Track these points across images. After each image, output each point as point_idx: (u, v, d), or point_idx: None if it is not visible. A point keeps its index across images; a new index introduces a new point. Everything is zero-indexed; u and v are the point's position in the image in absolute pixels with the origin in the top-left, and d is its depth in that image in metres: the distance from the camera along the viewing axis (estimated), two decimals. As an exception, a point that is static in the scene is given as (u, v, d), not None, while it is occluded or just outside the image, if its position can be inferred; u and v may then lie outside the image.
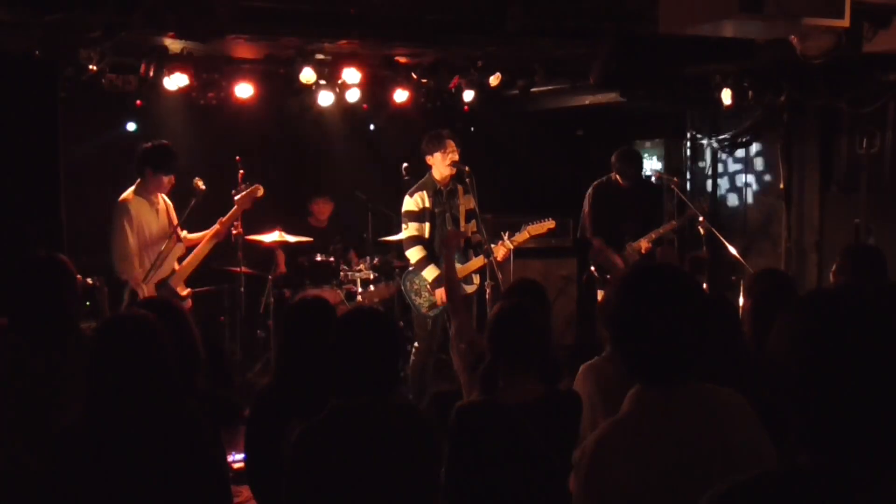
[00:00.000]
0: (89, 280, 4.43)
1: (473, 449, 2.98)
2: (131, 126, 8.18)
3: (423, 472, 3.38)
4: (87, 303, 4.48)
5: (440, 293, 6.95)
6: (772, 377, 1.79)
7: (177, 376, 3.21)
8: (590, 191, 8.08)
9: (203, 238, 6.87)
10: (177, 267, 6.74)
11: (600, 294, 7.69)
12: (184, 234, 6.89)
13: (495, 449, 2.98)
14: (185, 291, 6.75)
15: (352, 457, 3.15)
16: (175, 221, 6.79)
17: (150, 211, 6.64)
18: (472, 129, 9.86)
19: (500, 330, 3.70)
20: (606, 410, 3.82)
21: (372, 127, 9.86)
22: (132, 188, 6.64)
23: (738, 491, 1.72)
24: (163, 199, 6.76)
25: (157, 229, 6.65)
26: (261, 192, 7.07)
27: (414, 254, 7.12)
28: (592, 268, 8.04)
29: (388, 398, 3.28)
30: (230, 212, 6.94)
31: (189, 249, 6.87)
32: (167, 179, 6.64)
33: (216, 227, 6.88)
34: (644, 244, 7.77)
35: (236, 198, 6.97)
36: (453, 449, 3.01)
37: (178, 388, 3.21)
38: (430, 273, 7.05)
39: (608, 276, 7.77)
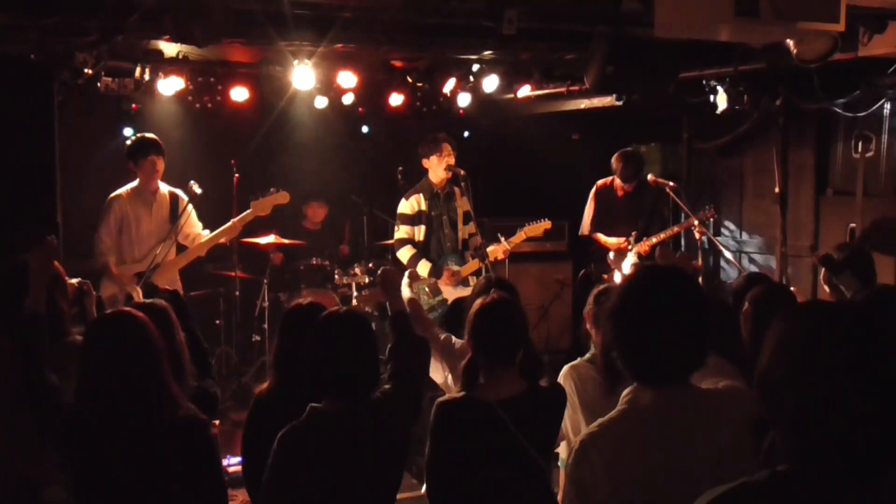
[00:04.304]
0: (73, 281, 4.41)
1: (454, 445, 3.00)
2: (128, 131, 8.20)
3: (398, 474, 3.44)
4: (75, 307, 4.46)
5: (444, 281, 7.03)
6: (758, 386, 1.81)
7: (168, 374, 3.25)
8: (592, 190, 8.12)
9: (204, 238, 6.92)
10: (163, 260, 6.72)
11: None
12: (206, 232, 6.97)
13: (476, 445, 2.99)
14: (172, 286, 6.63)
15: (329, 461, 3.17)
16: (190, 224, 6.94)
17: (144, 208, 6.70)
18: (468, 132, 9.86)
19: (481, 325, 3.70)
20: (586, 412, 3.84)
21: (366, 130, 9.85)
22: (129, 186, 6.78)
23: (724, 500, 1.73)
24: (168, 199, 6.82)
25: (149, 226, 6.70)
26: (286, 199, 7.12)
27: (404, 254, 7.17)
28: (593, 269, 8.02)
29: (370, 400, 3.30)
30: (242, 214, 6.97)
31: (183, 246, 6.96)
32: (152, 162, 6.73)
33: (224, 228, 6.92)
34: (644, 247, 7.77)
35: (253, 202, 7.02)
36: (434, 445, 3.03)
37: (169, 386, 3.23)
38: (422, 268, 7.08)
39: (605, 276, 7.77)
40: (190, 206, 6.87)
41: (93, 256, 6.70)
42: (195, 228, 7.01)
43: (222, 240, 7.04)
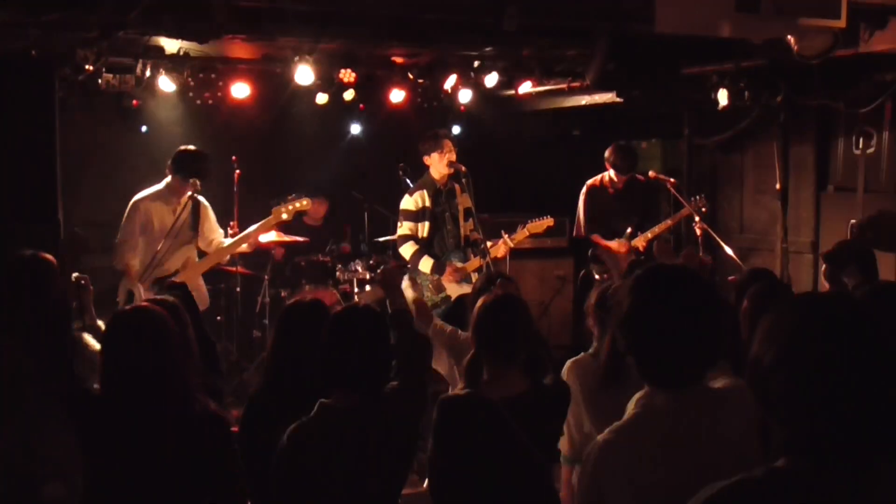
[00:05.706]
0: (72, 276, 4.42)
1: (456, 442, 2.99)
2: (143, 128, 8.24)
3: (405, 469, 3.45)
4: (74, 303, 4.47)
5: (447, 277, 7.02)
6: (748, 373, 1.80)
7: (185, 369, 3.28)
8: (583, 189, 8.12)
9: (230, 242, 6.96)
10: (183, 265, 6.77)
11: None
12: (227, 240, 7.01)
13: (478, 443, 2.98)
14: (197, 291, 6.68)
15: (340, 456, 3.17)
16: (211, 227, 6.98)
17: (167, 211, 6.70)
18: (459, 128, 9.85)
19: (485, 322, 3.69)
20: (588, 406, 3.83)
21: (367, 127, 9.85)
22: (154, 189, 6.80)
23: (720, 496, 1.73)
24: (190, 202, 6.78)
25: (172, 230, 6.67)
26: (308, 206, 7.16)
27: (406, 250, 7.15)
28: (593, 269, 8.01)
29: (380, 396, 3.30)
30: (263, 221, 6.97)
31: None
32: (188, 183, 6.73)
33: (247, 233, 6.94)
34: (640, 242, 7.79)
35: (274, 209, 7.02)
36: (436, 442, 3.02)
37: (187, 380, 3.27)
38: (425, 265, 7.08)
39: (605, 276, 7.77)
40: (211, 211, 6.93)
41: (114, 259, 6.70)
42: (216, 234, 7.02)
43: (244, 246, 7.04)
